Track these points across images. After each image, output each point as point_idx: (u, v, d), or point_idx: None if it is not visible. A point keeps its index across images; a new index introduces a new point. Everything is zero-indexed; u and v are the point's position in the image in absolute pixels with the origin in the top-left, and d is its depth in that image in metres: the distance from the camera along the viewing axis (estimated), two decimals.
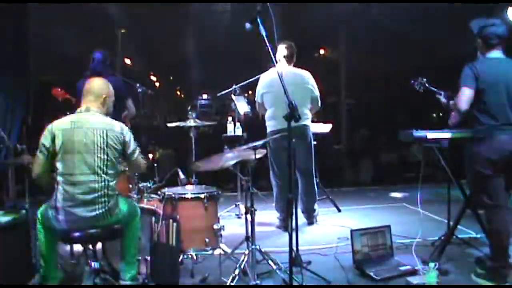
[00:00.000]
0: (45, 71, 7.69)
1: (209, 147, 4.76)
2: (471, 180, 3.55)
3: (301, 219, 5.08)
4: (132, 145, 3.16)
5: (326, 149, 7.53)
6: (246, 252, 3.53)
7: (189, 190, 4.05)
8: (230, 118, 5.82)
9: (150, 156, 6.37)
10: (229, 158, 3.61)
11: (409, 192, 6.88)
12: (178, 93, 13.22)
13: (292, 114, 2.82)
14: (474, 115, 3.39)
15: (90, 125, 3.03)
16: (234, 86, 5.56)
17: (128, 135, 3.15)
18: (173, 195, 3.85)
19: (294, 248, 3.57)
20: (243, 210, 4.13)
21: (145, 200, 4.03)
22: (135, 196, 3.96)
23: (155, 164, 4.64)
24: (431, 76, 4.15)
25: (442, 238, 4.04)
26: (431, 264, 3.37)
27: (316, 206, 5.26)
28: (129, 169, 3.62)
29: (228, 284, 3.35)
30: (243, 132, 5.72)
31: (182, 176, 4.17)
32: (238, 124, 5.73)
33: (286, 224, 4.71)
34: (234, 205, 5.75)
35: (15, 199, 5.40)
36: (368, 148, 9.02)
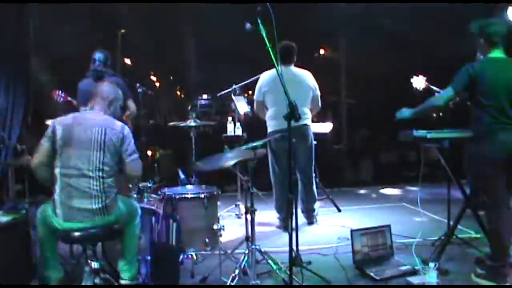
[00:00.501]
0: (45, 71, 7.68)
1: (209, 147, 4.76)
2: (471, 179, 3.55)
3: (301, 219, 5.09)
4: (130, 147, 3.15)
5: (326, 149, 7.52)
6: (246, 252, 3.53)
7: (189, 190, 4.06)
8: (230, 118, 5.82)
9: (149, 153, 6.38)
10: (229, 158, 3.61)
11: (402, 190, 6.93)
12: (178, 93, 13.21)
13: (292, 114, 2.82)
14: (474, 114, 3.39)
15: (90, 122, 3.07)
16: (234, 86, 5.56)
17: (127, 136, 3.14)
18: (173, 195, 3.86)
19: (294, 248, 3.57)
20: (243, 210, 4.13)
21: (145, 200, 4.04)
22: (135, 196, 3.97)
23: (155, 164, 4.65)
24: (431, 76, 4.15)
25: (442, 238, 4.04)
26: (431, 264, 3.37)
27: (316, 206, 5.26)
28: (123, 172, 3.59)
29: (228, 284, 3.36)
30: (243, 132, 5.73)
31: (182, 176, 4.17)
32: (238, 124, 5.73)
33: (286, 224, 4.71)
34: (234, 205, 5.76)
35: (15, 199, 5.41)
36: (368, 148, 9.02)
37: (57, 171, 3.01)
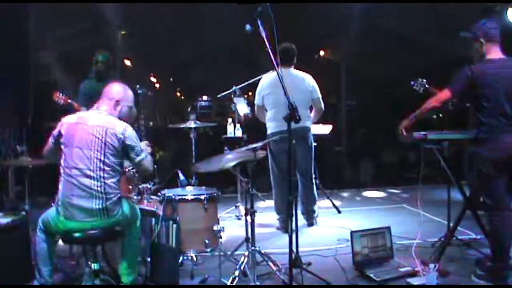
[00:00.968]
0: (45, 71, 7.67)
1: (209, 149, 4.76)
2: (473, 181, 3.55)
3: (301, 220, 5.09)
4: (136, 147, 3.14)
5: (326, 151, 7.53)
6: (246, 253, 3.54)
7: (189, 192, 4.06)
8: (230, 120, 5.82)
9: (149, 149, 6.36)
10: (229, 159, 3.61)
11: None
12: (178, 94, 13.21)
13: (292, 115, 2.82)
14: (475, 116, 3.39)
15: (92, 122, 3.08)
16: (234, 88, 5.56)
17: (130, 137, 3.12)
18: (173, 197, 3.85)
19: (294, 249, 3.56)
20: (243, 211, 4.13)
21: (145, 201, 4.04)
22: (135, 197, 3.96)
23: (155, 166, 4.65)
24: (431, 77, 4.15)
25: (442, 239, 4.04)
26: (431, 266, 3.38)
27: (316, 208, 5.25)
28: (138, 172, 3.64)
29: (228, 285, 3.35)
30: (243, 133, 5.73)
31: (182, 177, 4.17)
32: (238, 125, 5.73)
33: (286, 225, 4.70)
34: (234, 207, 5.76)
35: (15, 200, 5.41)
36: (368, 149, 9.02)
37: (61, 169, 3.05)
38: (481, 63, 3.42)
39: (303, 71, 5.03)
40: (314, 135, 5.14)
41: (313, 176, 5.14)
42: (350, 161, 8.79)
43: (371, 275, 3.54)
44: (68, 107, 4.66)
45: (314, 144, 5.11)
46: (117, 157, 3.09)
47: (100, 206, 2.98)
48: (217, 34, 8.09)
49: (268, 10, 2.95)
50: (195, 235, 3.79)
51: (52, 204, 3.12)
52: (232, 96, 5.62)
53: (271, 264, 3.59)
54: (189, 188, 4.22)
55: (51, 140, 3.17)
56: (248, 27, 3.00)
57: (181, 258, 3.72)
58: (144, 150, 3.21)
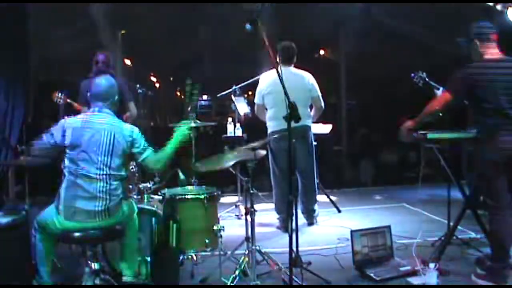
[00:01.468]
0: (45, 71, 7.68)
1: (209, 148, 4.76)
2: (472, 180, 3.55)
3: (301, 219, 5.08)
4: (142, 144, 3.18)
5: (326, 150, 7.53)
6: (246, 252, 3.54)
7: (189, 191, 4.05)
8: (230, 119, 5.82)
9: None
10: (229, 159, 3.61)
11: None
12: (178, 93, 13.21)
13: (292, 114, 2.82)
14: (475, 115, 3.39)
15: (99, 126, 3.08)
16: (234, 87, 5.56)
17: (137, 138, 3.17)
18: (173, 196, 3.85)
19: (294, 248, 3.56)
20: (243, 210, 4.13)
21: (145, 200, 4.04)
22: (135, 196, 3.96)
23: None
24: (431, 77, 4.15)
25: (442, 238, 4.04)
26: (431, 265, 3.37)
27: (316, 207, 5.25)
28: (146, 168, 3.62)
29: (228, 284, 3.35)
30: (243, 132, 5.73)
31: (182, 176, 4.17)
32: (238, 125, 5.73)
33: (286, 224, 4.70)
34: (234, 206, 5.76)
35: (15, 200, 5.41)
36: (368, 149, 9.02)
37: (65, 169, 3.04)
38: (478, 63, 3.41)
39: (303, 70, 5.04)
40: (314, 134, 5.14)
41: (314, 175, 5.14)
42: (350, 161, 8.78)
43: (371, 275, 3.54)
44: (67, 107, 4.67)
45: (314, 143, 5.11)
46: (123, 159, 3.12)
47: (102, 208, 2.99)
48: (217, 34, 8.10)
49: (268, 10, 2.96)
50: (195, 235, 3.78)
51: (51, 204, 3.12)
52: (232, 95, 5.63)
53: (271, 263, 3.59)
54: (189, 187, 4.22)
55: (48, 140, 3.09)
56: (248, 26, 3.00)
57: (181, 257, 3.72)
58: (149, 147, 3.22)
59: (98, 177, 2.99)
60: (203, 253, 3.89)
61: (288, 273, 3.03)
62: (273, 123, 4.91)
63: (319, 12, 7.63)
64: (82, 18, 6.99)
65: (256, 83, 5.10)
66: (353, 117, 9.37)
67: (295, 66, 5.02)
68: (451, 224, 4.00)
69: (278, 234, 4.96)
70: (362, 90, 9.52)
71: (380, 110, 9.32)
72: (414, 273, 3.55)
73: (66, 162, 3.05)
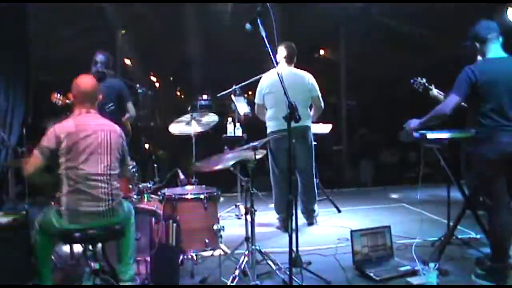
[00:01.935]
0: (45, 71, 7.68)
1: (209, 148, 4.75)
2: (471, 180, 3.54)
3: (301, 219, 5.09)
4: (126, 148, 3.23)
5: (326, 150, 7.53)
6: (246, 252, 3.53)
7: (189, 191, 4.06)
8: (230, 119, 5.83)
9: (149, 153, 6.36)
10: (229, 158, 3.61)
11: (406, 192, 6.93)
12: (178, 93, 13.20)
13: (292, 114, 2.82)
14: (474, 116, 3.39)
15: (94, 127, 3.05)
16: (234, 87, 5.56)
17: (124, 138, 3.22)
18: (173, 196, 3.85)
19: (294, 248, 3.57)
20: (243, 210, 4.13)
21: (145, 200, 4.04)
22: (135, 196, 3.96)
23: (155, 165, 4.65)
24: (431, 77, 4.15)
25: (442, 238, 4.04)
26: (431, 265, 3.37)
27: (316, 207, 5.25)
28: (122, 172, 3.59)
29: (228, 284, 3.35)
30: (243, 132, 5.73)
31: (182, 176, 4.17)
32: (238, 124, 5.73)
33: (286, 224, 4.71)
34: (234, 206, 5.76)
35: (15, 200, 5.41)
36: (368, 149, 9.02)
37: (63, 173, 2.96)
38: (480, 63, 3.41)
39: (303, 70, 5.04)
40: (314, 134, 5.14)
41: (314, 175, 5.14)
42: (350, 161, 8.79)
43: (371, 274, 3.54)
44: (66, 107, 4.66)
45: (314, 143, 5.11)
46: (118, 157, 3.13)
47: (106, 208, 2.99)
48: (217, 34, 8.09)
49: (268, 10, 2.96)
50: (195, 235, 3.79)
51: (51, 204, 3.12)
52: (232, 95, 5.63)
53: (271, 263, 3.59)
54: (189, 187, 4.22)
55: (46, 150, 2.96)
56: (248, 26, 3.00)
57: (181, 257, 3.72)
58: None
59: (100, 178, 2.98)
60: (203, 253, 3.89)
61: (288, 273, 3.03)
62: (273, 123, 4.91)
63: (319, 12, 7.64)
64: (82, 18, 7.00)
65: (256, 83, 5.10)
66: (353, 117, 9.37)
67: (295, 66, 5.02)
68: (451, 224, 4.00)
69: (278, 234, 4.96)
70: (362, 90, 9.51)
71: (380, 110, 9.31)
72: (414, 273, 3.55)
73: (64, 168, 2.96)
